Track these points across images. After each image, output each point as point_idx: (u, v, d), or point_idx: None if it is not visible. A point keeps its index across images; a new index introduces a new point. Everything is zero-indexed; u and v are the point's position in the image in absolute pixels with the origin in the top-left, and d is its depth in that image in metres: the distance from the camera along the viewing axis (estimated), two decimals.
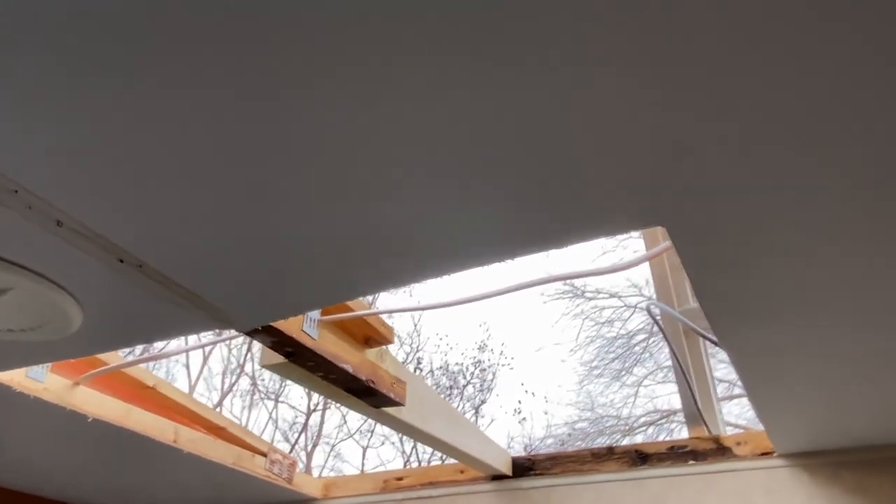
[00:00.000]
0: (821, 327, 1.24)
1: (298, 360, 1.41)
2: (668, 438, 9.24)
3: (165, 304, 1.18)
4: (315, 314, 1.41)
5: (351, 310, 1.48)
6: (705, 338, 1.76)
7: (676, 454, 2.08)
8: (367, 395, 1.59)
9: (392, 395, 1.62)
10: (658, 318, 2.09)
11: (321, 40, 0.70)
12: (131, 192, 0.94)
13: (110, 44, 0.70)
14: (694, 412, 2.12)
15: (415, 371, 8.36)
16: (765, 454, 1.97)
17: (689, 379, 2.10)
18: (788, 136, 0.83)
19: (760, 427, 1.84)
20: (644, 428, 9.68)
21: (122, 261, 1.08)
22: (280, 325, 1.32)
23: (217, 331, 1.33)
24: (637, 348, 9.85)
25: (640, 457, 2.14)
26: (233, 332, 1.31)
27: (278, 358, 1.43)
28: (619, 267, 1.36)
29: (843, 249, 1.04)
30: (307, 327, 1.37)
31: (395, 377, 1.67)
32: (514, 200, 0.95)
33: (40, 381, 1.65)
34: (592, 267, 1.36)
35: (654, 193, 0.94)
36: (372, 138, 0.84)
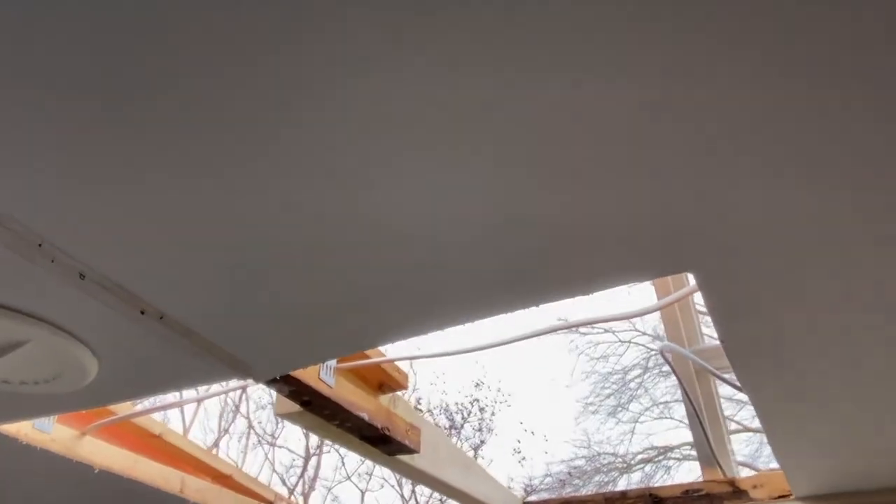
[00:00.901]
0: (846, 371, 1.24)
1: (315, 408, 1.39)
2: (666, 475, 9.14)
3: (185, 354, 1.16)
4: (332, 361, 1.39)
5: (367, 356, 1.46)
6: (721, 379, 1.75)
7: (692, 498, 2.05)
8: (381, 442, 1.57)
9: (407, 443, 1.59)
10: (669, 358, 2.07)
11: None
12: (154, 245, 0.93)
13: (125, 101, 0.70)
14: (708, 454, 2.09)
15: None
16: (782, 497, 1.94)
17: (703, 421, 2.07)
18: (817, 181, 0.83)
19: (763, 464, 1.81)
20: (641, 465, 9.57)
21: (143, 312, 1.06)
22: (297, 373, 1.30)
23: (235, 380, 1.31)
24: (632, 384, 9.80)
25: (654, 501, 2.10)
26: (249, 382, 1.29)
27: (294, 407, 1.41)
28: (637, 313, 1.36)
29: (872, 295, 1.03)
30: (324, 375, 1.36)
31: (410, 424, 1.65)
32: (540, 250, 0.95)
33: (47, 432, 1.62)
34: (607, 313, 1.35)
35: (682, 240, 0.94)
36: (388, 191, 0.84)
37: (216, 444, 8.49)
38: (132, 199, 0.85)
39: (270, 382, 1.28)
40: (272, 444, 8.67)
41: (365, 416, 1.46)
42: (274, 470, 8.61)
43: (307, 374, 1.33)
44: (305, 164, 0.79)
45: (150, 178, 0.81)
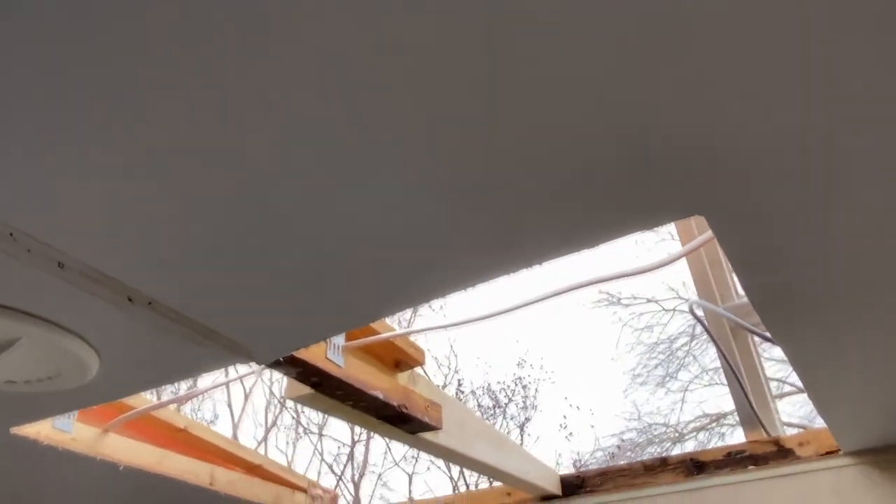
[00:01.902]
0: (884, 310, 1.14)
1: (325, 389, 1.35)
2: (720, 442, 8.99)
3: (181, 341, 1.13)
4: (339, 340, 1.35)
5: (376, 332, 1.41)
6: (755, 334, 1.66)
7: (735, 460, 1.96)
8: (400, 421, 1.52)
9: (427, 420, 1.54)
10: (702, 317, 1.98)
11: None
12: (131, 227, 0.89)
13: (95, 77, 0.65)
14: (749, 414, 2.00)
15: (456, 393, 8.27)
16: (830, 453, 1.84)
17: (741, 379, 1.98)
18: (833, 100, 0.75)
19: (819, 424, 1.72)
20: (694, 434, 9.43)
21: (131, 299, 1.03)
22: (303, 354, 1.26)
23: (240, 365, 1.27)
24: (679, 352, 9.64)
25: (695, 466, 2.02)
26: (254, 367, 1.25)
27: (304, 389, 1.37)
28: (656, 265, 1.28)
29: None
30: (331, 354, 1.31)
31: (429, 400, 1.60)
32: (541, 198, 0.88)
33: (67, 431, 1.61)
34: (627, 268, 1.28)
35: (689, 181, 0.86)
36: (378, 145, 0.78)
37: (265, 439, 8.62)
38: (103, 179, 0.80)
39: (275, 365, 1.24)
40: (319, 434, 8.75)
41: (379, 394, 1.42)
42: (322, 459, 8.70)
43: (314, 355, 1.29)
44: (296, 123, 0.74)
45: (120, 154, 0.76)
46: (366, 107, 0.73)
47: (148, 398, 1.81)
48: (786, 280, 1.06)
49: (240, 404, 8.80)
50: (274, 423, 8.80)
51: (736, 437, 9.04)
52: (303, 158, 0.79)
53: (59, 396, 1.32)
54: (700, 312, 1.96)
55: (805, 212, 0.92)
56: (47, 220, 0.87)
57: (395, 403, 1.45)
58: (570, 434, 9.14)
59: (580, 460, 8.76)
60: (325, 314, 1.11)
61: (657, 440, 9.52)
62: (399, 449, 8.56)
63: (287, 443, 8.91)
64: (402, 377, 1.58)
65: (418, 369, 1.64)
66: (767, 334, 1.53)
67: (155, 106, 0.71)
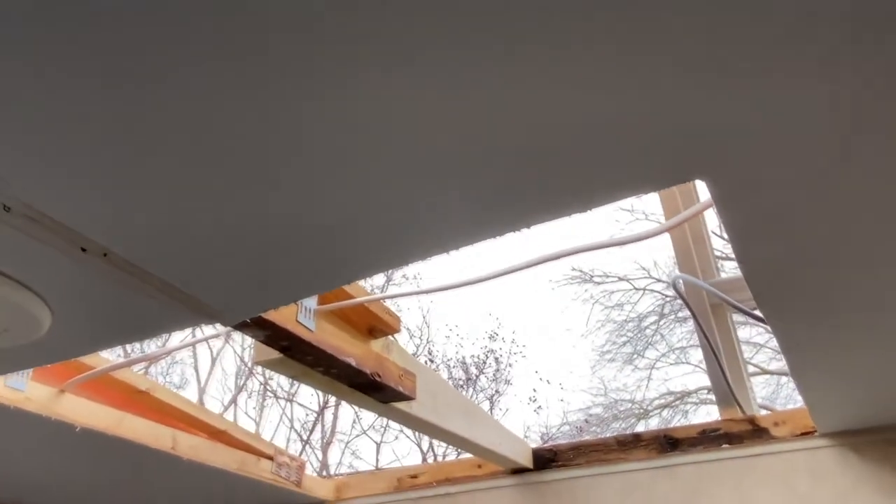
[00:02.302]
0: (879, 290, 1.10)
1: (295, 354, 1.28)
2: (684, 420, 9.13)
3: (140, 297, 1.05)
4: (311, 303, 1.28)
5: (350, 297, 1.35)
6: (741, 310, 1.62)
7: (709, 438, 1.94)
8: (373, 389, 1.46)
9: (401, 389, 1.49)
10: (683, 292, 1.95)
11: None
12: (85, 170, 0.80)
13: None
14: (726, 392, 1.98)
15: (426, 363, 8.26)
16: (806, 434, 1.83)
17: (719, 356, 1.96)
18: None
19: (778, 405, 1.70)
20: (658, 411, 9.58)
21: (84, 249, 0.94)
22: (272, 316, 1.19)
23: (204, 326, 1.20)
24: (648, 331, 9.75)
25: (669, 442, 2.00)
26: (219, 328, 1.18)
27: (273, 353, 1.30)
28: (649, 233, 1.22)
29: None
30: (302, 318, 1.24)
31: (404, 369, 1.54)
32: (538, 159, 0.82)
33: (21, 390, 1.53)
34: (617, 237, 1.22)
35: (692, 146, 0.80)
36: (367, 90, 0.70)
37: (234, 401, 8.54)
38: (55, 117, 0.72)
39: (242, 327, 1.17)
40: (289, 400, 8.70)
41: (352, 361, 1.36)
42: (291, 426, 8.66)
43: (284, 318, 1.22)
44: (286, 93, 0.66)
45: (73, 88, 0.68)
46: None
47: (111, 359, 1.73)
48: (784, 253, 1.01)
49: (208, 369, 8.70)
50: (241, 389, 8.72)
51: (699, 414, 9.19)
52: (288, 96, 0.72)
53: (9, 353, 1.23)
54: (681, 287, 1.93)
55: (809, 181, 0.87)
56: None
57: (367, 371, 1.39)
58: (539, 407, 9.20)
59: (548, 433, 8.84)
60: (297, 274, 1.04)
61: (622, 416, 9.66)
62: (368, 417, 8.55)
63: (254, 408, 8.85)
64: (376, 344, 1.51)
65: (392, 337, 1.58)
66: (754, 311, 1.50)
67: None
